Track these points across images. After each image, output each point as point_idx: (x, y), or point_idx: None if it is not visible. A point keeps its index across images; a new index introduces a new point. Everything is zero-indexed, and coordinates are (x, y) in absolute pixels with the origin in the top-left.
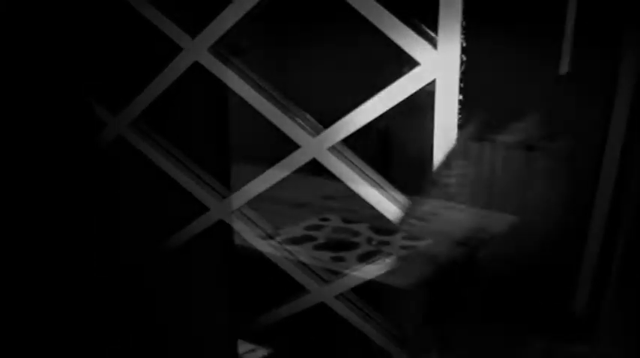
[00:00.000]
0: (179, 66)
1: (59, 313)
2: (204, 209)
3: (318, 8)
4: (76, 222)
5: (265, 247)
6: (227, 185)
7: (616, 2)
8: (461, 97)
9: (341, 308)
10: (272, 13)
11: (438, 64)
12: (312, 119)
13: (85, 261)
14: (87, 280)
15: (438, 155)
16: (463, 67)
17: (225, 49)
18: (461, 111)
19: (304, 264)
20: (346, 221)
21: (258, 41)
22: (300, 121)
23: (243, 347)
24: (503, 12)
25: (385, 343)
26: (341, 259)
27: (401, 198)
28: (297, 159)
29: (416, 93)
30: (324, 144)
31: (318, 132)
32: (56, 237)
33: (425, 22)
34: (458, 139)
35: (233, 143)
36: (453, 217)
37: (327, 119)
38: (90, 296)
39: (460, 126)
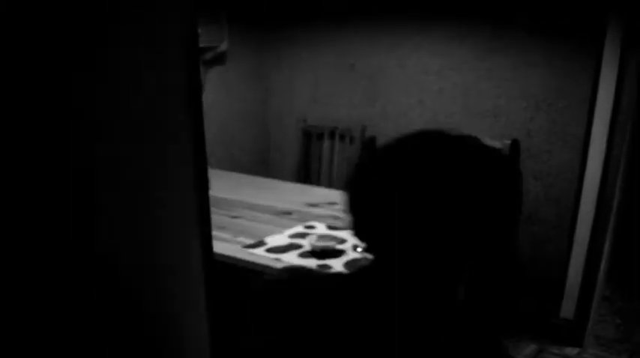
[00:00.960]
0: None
1: (55, 313)
2: None
3: (298, 12)
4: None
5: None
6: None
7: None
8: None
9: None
10: (251, 16)
11: None
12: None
13: (82, 262)
14: (84, 281)
15: None
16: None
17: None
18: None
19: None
20: (331, 228)
21: (237, 44)
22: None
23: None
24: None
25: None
26: (327, 267)
27: None
28: None
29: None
30: None
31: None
32: (50, 240)
33: None
34: None
35: (222, 152)
36: None
37: (311, 122)
38: (86, 297)
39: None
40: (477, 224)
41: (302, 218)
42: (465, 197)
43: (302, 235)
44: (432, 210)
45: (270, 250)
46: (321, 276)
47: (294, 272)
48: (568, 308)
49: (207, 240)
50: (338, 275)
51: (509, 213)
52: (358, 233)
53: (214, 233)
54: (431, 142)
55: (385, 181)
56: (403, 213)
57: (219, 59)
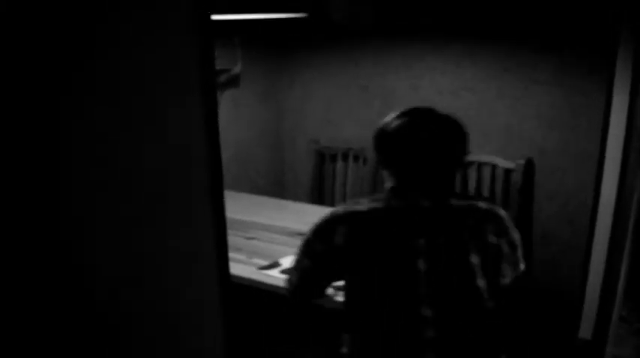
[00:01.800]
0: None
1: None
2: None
3: (310, 35)
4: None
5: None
6: (221, 212)
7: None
8: None
9: None
10: (264, 39)
11: None
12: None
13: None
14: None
15: None
16: None
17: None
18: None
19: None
20: None
21: (250, 66)
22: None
23: None
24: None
25: None
26: (341, 288)
27: None
28: None
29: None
30: None
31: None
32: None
33: None
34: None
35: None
36: None
37: (324, 143)
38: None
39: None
40: (447, 154)
41: None
42: (441, 142)
43: None
44: (423, 147)
45: (284, 271)
46: (367, 210)
47: (347, 209)
48: (586, 329)
49: (223, 261)
50: (375, 208)
51: (462, 150)
52: (384, 166)
53: (230, 254)
54: (421, 114)
55: (398, 135)
56: (409, 150)
57: (233, 82)
